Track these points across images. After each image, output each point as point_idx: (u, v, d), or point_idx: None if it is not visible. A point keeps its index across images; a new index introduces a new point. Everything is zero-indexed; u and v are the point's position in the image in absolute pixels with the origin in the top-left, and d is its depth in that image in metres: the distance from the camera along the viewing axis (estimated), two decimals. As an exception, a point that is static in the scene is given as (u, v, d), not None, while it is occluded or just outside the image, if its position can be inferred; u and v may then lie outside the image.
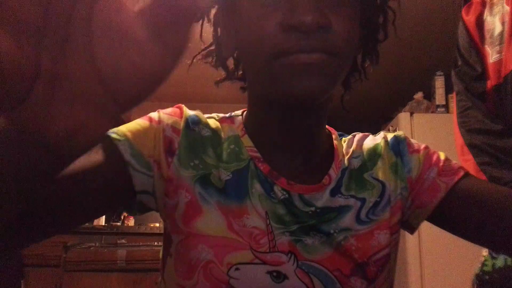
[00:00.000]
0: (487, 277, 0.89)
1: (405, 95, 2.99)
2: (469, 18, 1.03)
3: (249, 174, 0.50)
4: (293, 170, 0.51)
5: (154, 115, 0.52)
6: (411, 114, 2.69)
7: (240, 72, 0.57)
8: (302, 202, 0.50)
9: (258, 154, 0.51)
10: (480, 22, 1.00)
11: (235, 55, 0.55)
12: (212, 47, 0.55)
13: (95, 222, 3.71)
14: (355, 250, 0.49)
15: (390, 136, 0.58)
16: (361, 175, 0.54)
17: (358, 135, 0.60)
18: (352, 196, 0.52)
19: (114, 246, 2.76)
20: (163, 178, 0.48)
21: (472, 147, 0.93)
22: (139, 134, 0.48)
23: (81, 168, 0.41)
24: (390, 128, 2.85)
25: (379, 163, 0.55)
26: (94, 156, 0.43)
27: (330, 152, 0.55)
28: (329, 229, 0.49)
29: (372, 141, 0.58)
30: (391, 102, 3.46)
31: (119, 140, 0.46)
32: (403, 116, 2.69)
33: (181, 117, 0.52)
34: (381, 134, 0.59)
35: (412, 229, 0.59)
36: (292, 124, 0.50)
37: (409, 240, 2.46)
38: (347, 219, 0.50)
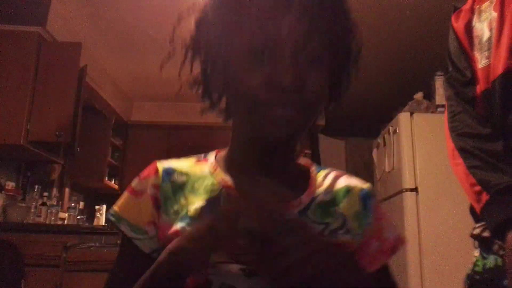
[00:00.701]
0: (477, 277, 0.89)
1: (405, 95, 2.99)
2: (458, 24, 1.05)
3: (221, 200, 0.57)
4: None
5: (135, 185, 0.61)
6: (411, 114, 2.68)
7: (223, 106, 0.61)
8: None
9: (229, 183, 0.59)
10: (469, 29, 1.02)
11: (220, 91, 0.60)
12: (200, 78, 0.60)
13: (95, 222, 3.72)
14: None
15: (363, 186, 0.64)
16: (327, 207, 0.60)
17: (334, 173, 0.65)
18: (316, 222, 0.57)
19: (114, 246, 2.76)
20: (158, 229, 0.58)
21: (462, 151, 0.95)
22: (131, 209, 0.60)
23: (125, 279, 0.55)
24: (390, 128, 2.86)
25: (345, 203, 0.60)
26: (124, 264, 0.60)
27: (306, 182, 0.62)
28: None
29: (345, 182, 0.63)
30: (391, 102, 3.45)
31: (117, 220, 0.59)
32: (403, 116, 2.69)
33: (156, 174, 0.61)
34: (354, 180, 0.65)
35: None
36: (266, 159, 0.58)
37: (409, 240, 2.46)
38: None
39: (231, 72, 0.54)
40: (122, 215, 0.59)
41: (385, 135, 2.99)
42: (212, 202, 0.57)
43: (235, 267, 0.52)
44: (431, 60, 3.01)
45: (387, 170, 2.91)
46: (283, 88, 0.50)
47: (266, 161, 0.58)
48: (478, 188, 0.89)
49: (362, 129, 4.76)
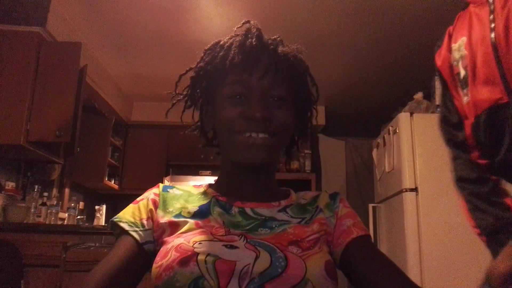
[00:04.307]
0: None
1: (405, 95, 2.99)
2: (441, 64, 1.10)
3: (211, 205, 0.71)
4: (247, 199, 0.72)
5: (139, 198, 0.74)
6: (411, 114, 2.68)
7: (216, 142, 0.80)
8: (253, 212, 0.70)
9: (218, 193, 0.74)
10: (450, 67, 1.07)
11: (212, 130, 0.79)
12: (198, 123, 0.81)
13: (95, 222, 3.72)
14: (291, 234, 0.66)
15: (331, 192, 0.80)
16: (304, 207, 0.74)
17: (310, 192, 0.80)
18: (294, 217, 0.71)
19: (114, 246, 2.76)
20: (155, 224, 0.70)
21: (460, 194, 1.04)
22: (133, 211, 0.71)
23: (112, 263, 0.64)
24: (390, 128, 2.86)
25: (318, 202, 0.76)
26: (115, 250, 0.66)
27: (286, 196, 0.76)
28: (272, 225, 0.68)
29: (316, 193, 0.79)
30: (391, 102, 3.45)
31: (119, 220, 0.70)
32: (403, 116, 2.69)
33: (158, 187, 0.76)
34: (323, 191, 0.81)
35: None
36: (248, 177, 0.73)
37: (409, 240, 2.46)
38: (288, 223, 0.70)
39: (217, 112, 0.72)
40: (123, 216, 0.71)
41: (385, 135, 2.99)
42: (203, 206, 0.71)
43: (218, 243, 0.62)
44: (431, 60, 3.01)
45: (387, 170, 2.90)
46: (254, 119, 0.66)
47: (249, 179, 0.73)
48: (477, 230, 0.97)
49: (362, 129, 4.76)
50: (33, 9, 2.72)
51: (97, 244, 2.80)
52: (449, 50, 1.07)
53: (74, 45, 2.81)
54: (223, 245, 0.62)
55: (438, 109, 2.65)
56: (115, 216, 0.71)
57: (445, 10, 2.69)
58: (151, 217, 0.70)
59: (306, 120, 0.80)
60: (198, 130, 0.82)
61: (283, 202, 0.74)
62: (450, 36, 1.09)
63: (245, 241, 0.63)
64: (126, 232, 0.68)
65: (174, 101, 0.80)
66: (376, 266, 0.65)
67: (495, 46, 0.92)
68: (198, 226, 0.66)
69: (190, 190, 0.77)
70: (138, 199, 0.75)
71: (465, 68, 0.99)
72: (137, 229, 0.69)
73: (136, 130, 4.60)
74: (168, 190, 0.75)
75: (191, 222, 0.67)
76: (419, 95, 2.84)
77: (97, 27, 3.14)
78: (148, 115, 4.55)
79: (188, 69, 0.78)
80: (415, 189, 2.55)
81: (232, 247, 0.61)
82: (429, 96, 2.83)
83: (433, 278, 2.35)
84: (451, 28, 1.09)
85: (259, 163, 0.69)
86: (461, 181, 1.04)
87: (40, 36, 2.71)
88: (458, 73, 1.03)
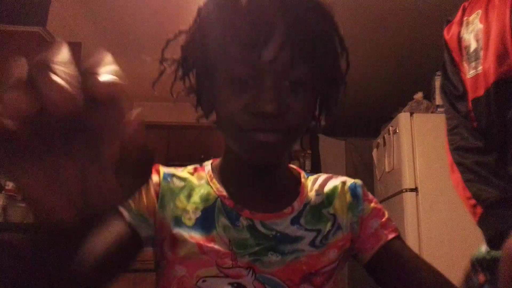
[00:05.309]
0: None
1: (405, 95, 2.99)
2: (449, 37, 1.09)
3: (216, 211, 0.59)
4: (256, 204, 0.61)
5: None
6: (411, 114, 2.68)
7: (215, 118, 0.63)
8: (263, 227, 0.59)
9: (224, 193, 0.61)
10: (458, 40, 1.06)
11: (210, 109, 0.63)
12: (194, 89, 0.63)
13: (95, 222, 3.71)
14: (305, 264, 0.57)
15: (349, 181, 0.67)
16: (319, 210, 0.63)
17: (323, 176, 0.69)
18: (308, 230, 0.60)
19: (114, 246, 2.76)
20: (157, 222, 0.58)
21: (459, 164, 0.99)
22: (135, 197, 0.58)
23: (101, 245, 0.49)
24: (390, 128, 2.85)
25: (336, 202, 0.64)
26: (107, 232, 0.52)
27: (297, 188, 0.65)
28: (285, 249, 0.58)
29: (333, 182, 0.67)
30: (391, 102, 3.45)
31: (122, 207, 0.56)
32: (403, 116, 2.69)
33: (158, 174, 0.62)
34: (342, 178, 0.68)
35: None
36: (256, 171, 0.61)
37: (409, 240, 2.46)
38: (301, 245, 0.59)
39: (216, 98, 0.56)
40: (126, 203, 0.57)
41: (385, 135, 2.99)
42: (207, 212, 0.59)
43: (224, 282, 0.54)
44: (431, 60, 3.01)
45: (387, 170, 2.90)
46: (264, 115, 0.50)
47: (257, 174, 0.62)
48: (473, 201, 0.92)
49: (362, 129, 4.76)
50: (33, 9, 2.72)
51: (97, 244, 2.80)
52: (461, 23, 1.07)
53: (74, 45, 2.80)
54: (229, 283, 0.54)
55: (439, 109, 2.66)
56: None
57: (445, 10, 2.69)
58: (154, 211, 0.59)
59: (331, 103, 0.61)
60: (193, 95, 0.63)
61: (296, 205, 0.62)
62: (464, 10, 1.08)
63: (253, 276, 0.55)
64: (124, 220, 0.55)
65: (162, 69, 0.62)
66: (412, 273, 0.58)
67: (511, 21, 0.91)
68: (201, 251, 0.56)
69: (191, 180, 0.63)
70: None
71: (477, 40, 0.99)
72: (140, 223, 0.56)
73: (136, 130, 4.60)
74: (169, 180, 0.62)
75: (193, 244, 0.56)
76: (419, 95, 2.84)
77: (97, 27, 3.14)
78: (148, 115, 4.54)
79: (177, 32, 0.60)
80: (415, 189, 2.55)
81: (239, 286, 0.54)
82: (429, 96, 2.83)
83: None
84: (466, 3, 1.09)
85: (267, 165, 0.58)
86: (462, 151, 0.99)
87: (40, 36, 2.71)
88: (468, 46, 1.02)
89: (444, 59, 1.10)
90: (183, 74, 0.61)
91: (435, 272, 0.60)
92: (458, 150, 1.00)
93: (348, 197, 0.65)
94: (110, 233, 0.52)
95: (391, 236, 0.61)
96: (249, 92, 0.52)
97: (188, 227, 0.58)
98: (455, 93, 1.05)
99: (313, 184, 0.66)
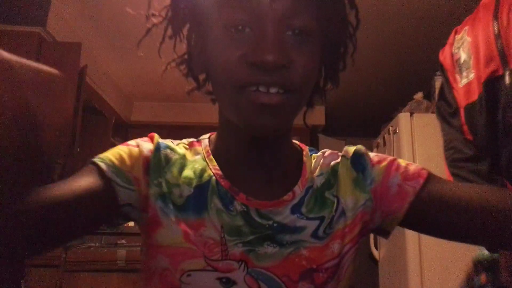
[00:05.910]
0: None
1: (405, 95, 2.99)
2: (443, 58, 1.16)
3: (209, 190, 0.53)
4: (253, 186, 0.54)
5: (131, 142, 0.55)
6: (411, 114, 2.68)
7: (210, 86, 0.57)
8: (259, 216, 0.52)
9: (220, 172, 0.55)
10: (451, 56, 1.13)
11: (205, 72, 0.57)
12: (185, 57, 0.58)
13: (95, 222, 3.71)
14: (305, 258, 0.51)
15: (350, 151, 0.59)
16: (323, 193, 0.56)
17: (327, 152, 0.61)
18: (311, 218, 0.53)
19: (114, 246, 2.76)
20: (141, 194, 0.52)
21: (454, 175, 1.03)
22: (119, 156, 0.52)
23: (69, 187, 0.45)
24: (390, 128, 2.85)
25: (340, 181, 0.57)
26: (79, 177, 0.48)
27: (299, 168, 0.58)
28: (283, 240, 0.52)
29: (336, 159, 0.60)
30: (391, 102, 3.46)
31: (101, 161, 0.50)
32: (403, 116, 2.69)
33: (153, 141, 0.56)
34: (343, 150, 0.61)
35: (386, 234, 0.59)
36: (255, 146, 0.54)
37: (409, 240, 2.46)
38: (302, 236, 0.53)
39: (211, 50, 0.49)
40: (107, 157, 0.52)
41: (385, 135, 2.99)
42: (200, 190, 0.53)
43: (211, 276, 0.49)
44: (431, 60, 3.01)
45: (387, 170, 2.91)
46: (264, 65, 0.44)
47: (256, 150, 0.54)
48: None
49: (362, 129, 4.76)
50: (33, 9, 2.72)
51: (97, 244, 2.80)
52: (452, 43, 1.13)
53: (74, 45, 2.80)
54: (218, 278, 0.49)
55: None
56: (98, 157, 0.52)
57: (445, 10, 2.69)
58: (137, 179, 0.52)
59: (337, 58, 0.55)
60: (185, 65, 0.58)
61: (297, 190, 0.55)
62: (455, 32, 1.15)
63: (245, 270, 0.49)
64: (110, 181, 0.49)
65: (149, 26, 0.57)
66: (457, 205, 0.51)
67: (496, 24, 0.96)
68: (188, 241, 0.50)
69: (187, 153, 0.57)
70: (130, 142, 0.55)
71: (467, 52, 1.04)
72: (123, 184, 0.50)
73: (136, 130, 4.60)
74: (164, 151, 0.55)
75: (178, 231, 0.50)
76: (419, 95, 2.84)
77: (97, 27, 3.14)
78: (148, 115, 4.56)
79: None
80: (415, 189, 2.56)
81: (228, 282, 0.49)
82: (429, 96, 2.83)
83: (433, 279, 2.35)
84: (458, 27, 1.16)
85: (270, 132, 0.48)
86: (457, 162, 1.05)
87: (40, 36, 2.70)
88: (459, 59, 1.08)
89: (442, 81, 1.16)
90: (173, 31, 0.55)
91: (482, 190, 0.53)
92: (453, 162, 1.06)
93: (352, 172, 0.57)
94: (80, 178, 0.47)
95: (418, 186, 0.53)
96: (247, 40, 0.45)
97: (177, 206, 0.51)
98: (448, 110, 1.11)
99: (316, 163, 0.59)
